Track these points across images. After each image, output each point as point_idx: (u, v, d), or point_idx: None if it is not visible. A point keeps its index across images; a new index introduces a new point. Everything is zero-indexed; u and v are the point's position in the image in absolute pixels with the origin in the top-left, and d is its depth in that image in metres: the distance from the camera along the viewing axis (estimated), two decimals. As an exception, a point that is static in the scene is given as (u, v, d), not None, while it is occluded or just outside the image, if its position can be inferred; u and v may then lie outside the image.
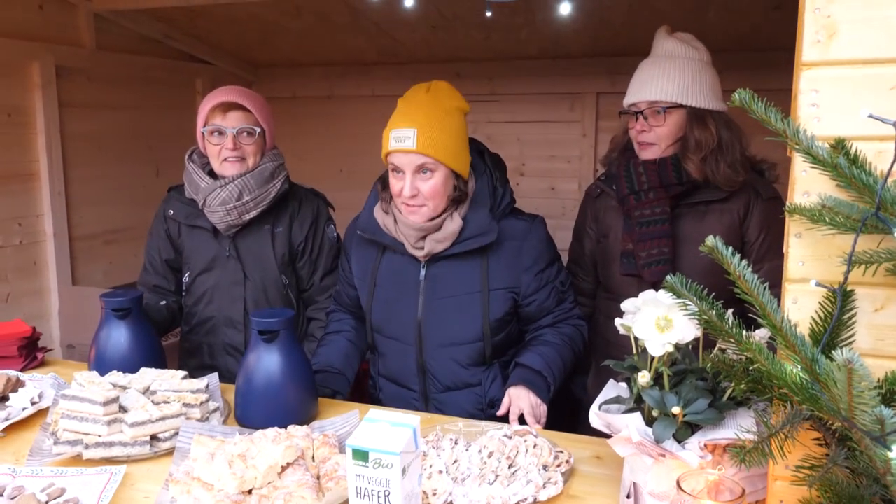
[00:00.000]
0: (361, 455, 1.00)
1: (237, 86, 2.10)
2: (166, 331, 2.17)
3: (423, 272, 1.76)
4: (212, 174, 2.06)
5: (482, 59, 3.86)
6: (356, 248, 1.88)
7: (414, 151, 1.62)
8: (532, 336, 1.81)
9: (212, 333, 2.11)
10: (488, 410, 1.77)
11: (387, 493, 1.00)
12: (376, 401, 1.91)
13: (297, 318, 2.17)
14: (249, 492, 1.24)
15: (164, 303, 2.11)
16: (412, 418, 1.05)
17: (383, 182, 1.79)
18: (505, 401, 1.67)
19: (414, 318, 1.76)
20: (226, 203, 1.98)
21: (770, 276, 1.77)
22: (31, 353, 2.04)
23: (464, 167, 1.71)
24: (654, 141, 1.82)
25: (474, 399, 1.78)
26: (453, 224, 1.69)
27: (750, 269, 0.91)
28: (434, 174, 1.65)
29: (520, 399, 1.65)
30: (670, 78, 1.78)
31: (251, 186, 2.00)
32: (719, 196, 1.80)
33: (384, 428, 1.03)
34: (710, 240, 0.89)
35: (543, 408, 1.66)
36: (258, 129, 2.02)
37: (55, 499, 1.25)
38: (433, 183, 1.65)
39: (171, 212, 2.13)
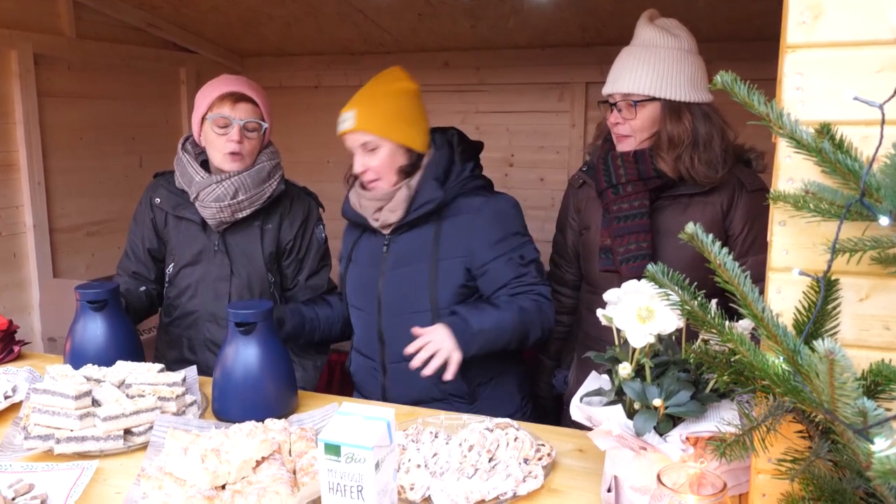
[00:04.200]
0: (333, 449, 0.97)
1: (241, 76, 2.05)
2: (145, 317, 2.13)
3: (385, 246, 1.84)
4: (204, 165, 2.02)
5: (470, 48, 3.82)
6: (346, 231, 2.00)
7: (354, 130, 1.76)
8: (486, 297, 1.77)
9: (193, 327, 2.06)
10: (441, 386, 1.74)
11: (360, 487, 0.97)
12: (347, 374, 1.99)
13: None
14: (223, 487, 1.21)
15: (143, 289, 2.07)
16: (386, 412, 1.02)
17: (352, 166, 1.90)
18: (426, 329, 1.62)
19: (375, 288, 1.83)
20: (220, 200, 1.94)
21: (754, 270, 1.73)
22: (7, 346, 2.00)
23: (413, 140, 1.78)
24: (630, 133, 1.77)
25: None
26: (402, 194, 1.77)
27: (732, 257, 0.88)
28: (379, 150, 1.76)
29: (441, 337, 1.60)
30: (644, 70, 1.70)
31: (247, 185, 1.96)
32: (702, 188, 1.73)
33: (357, 421, 1.00)
34: (691, 227, 0.86)
35: (456, 355, 1.59)
36: (264, 125, 1.99)
37: (23, 495, 1.22)
38: (380, 157, 1.76)
39: (158, 200, 2.07)
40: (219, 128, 1.94)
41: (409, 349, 1.61)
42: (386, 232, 1.83)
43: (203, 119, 1.97)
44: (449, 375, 1.60)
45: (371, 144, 1.75)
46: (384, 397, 1.84)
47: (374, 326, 1.84)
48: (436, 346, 1.59)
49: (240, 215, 1.98)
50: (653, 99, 1.72)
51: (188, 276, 2.06)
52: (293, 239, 2.08)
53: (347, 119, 1.77)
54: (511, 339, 1.70)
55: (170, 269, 2.10)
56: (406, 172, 1.78)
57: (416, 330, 1.63)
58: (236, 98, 1.95)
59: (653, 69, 1.71)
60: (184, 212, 2.02)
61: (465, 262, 1.76)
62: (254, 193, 1.97)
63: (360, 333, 1.91)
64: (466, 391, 1.77)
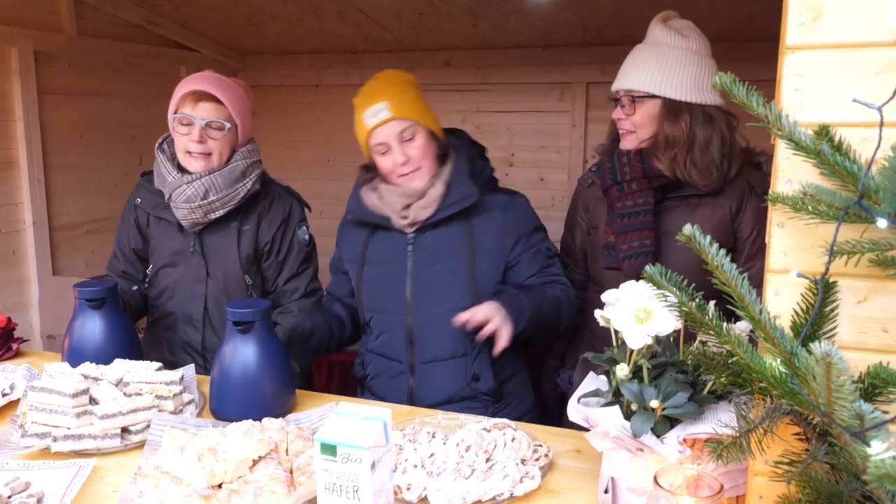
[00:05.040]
0: (329, 449, 0.97)
1: (217, 74, 2.02)
2: (139, 316, 2.12)
3: (410, 245, 1.80)
4: (181, 167, 1.99)
5: (471, 47, 3.82)
6: (346, 232, 1.94)
7: (392, 119, 1.72)
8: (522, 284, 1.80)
9: (171, 329, 2.05)
10: (473, 384, 1.76)
11: (355, 488, 0.97)
12: (362, 378, 1.92)
13: None
14: (219, 486, 1.21)
15: (136, 288, 2.07)
16: (383, 412, 1.02)
17: (366, 167, 1.87)
18: (477, 307, 1.65)
19: (403, 290, 1.79)
20: (191, 201, 1.91)
21: (762, 274, 1.73)
22: (5, 343, 2.00)
23: (437, 128, 1.81)
24: (632, 129, 1.77)
25: (459, 371, 1.76)
26: (436, 190, 1.76)
27: (734, 263, 0.87)
28: (416, 137, 1.75)
29: (493, 310, 1.63)
30: (647, 67, 1.72)
31: (218, 185, 1.92)
32: (709, 189, 1.73)
33: (354, 421, 1.00)
34: (688, 228, 0.86)
35: (507, 329, 1.62)
36: (228, 125, 1.94)
37: (19, 493, 1.21)
38: (418, 144, 1.75)
39: (139, 201, 2.06)
40: (181, 126, 1.93)
41: (459, 318, 1.61)
42: (410, 231, 1.79)
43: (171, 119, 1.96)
44: (499, 348, 1.61)
45: (409, 133, 1.74)
46: (411, 400, 1.80)
47: (402, 327, 1.80)
48: (486, 316, 1.61)
49: (213, 216, 1.95)
50: (652, 96, 1.73)
51: (166, 276, 2.04)
52: (272, 240, 2.03)
53: (381, 110, 1.72)
54: (550, 321, 1.74)
55: (150, 269, 2.09)
56: (440, 160, 1.79)
57: (459, 317, 1.63)
58: (198, 97, 1.91)
59: (655, 67, 1.72)
60: (162, 212, 2.00)
61: (500, 257, 1.79)
62: (226, 194, 1.93)
63: (381, 335, 1.85)
64: (493, 388, 1.77)
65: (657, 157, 1.74)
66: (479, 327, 1.63)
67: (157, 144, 2.04)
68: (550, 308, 1.74)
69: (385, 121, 1.72)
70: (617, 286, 1.19)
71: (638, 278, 1.67)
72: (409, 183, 1.76)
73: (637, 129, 1.77)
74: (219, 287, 2.01)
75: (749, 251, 1.75)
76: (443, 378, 1.76)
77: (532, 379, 1.98)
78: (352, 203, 1.88)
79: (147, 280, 2.11)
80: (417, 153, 1.74)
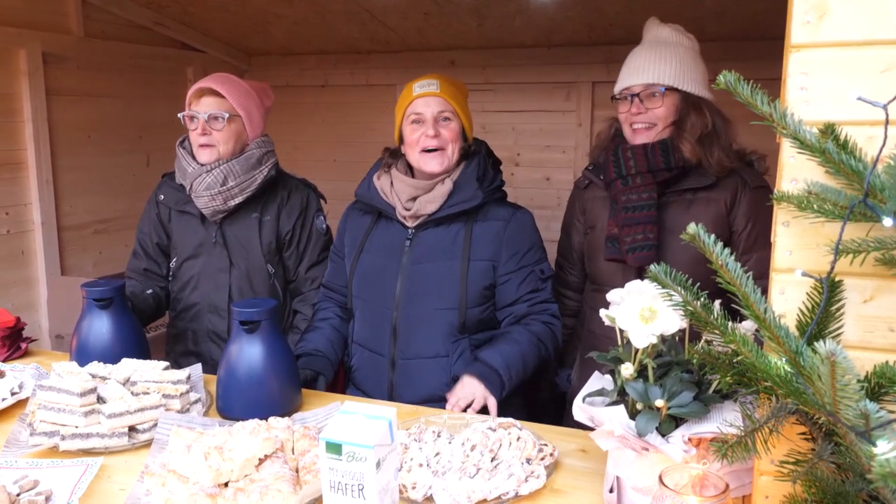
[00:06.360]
0: (335, 448, 0.97)
1: (228, 73, 2.11)
2: (152, 319, 2.16)
3: (408, 240, 1.82)
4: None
5: (476, 47, 3.82)
6: (352, 219, 1.98)
7: (438, 95, 1.80)
8: (502, 331, 1.81)
9: (196, 320, 2.10)
10: (452, 385, 1.74)
11: (360, 486, 0.97)
12: (347, 369, 1.95)
13: (283, 309, 2.15)
14: (226, 484, 1.22)
15: (150, 291, 2.10)
16: (388, 411, 1.02)
17: (391, 151, 1.92)
18: (457, 386, 1.68)
19: (394, 282, 1.81)
20: (210, 188, 1.98)
21: (758, 266, 1.75)
22: (14, 342, 2.02)
23: (469, 131, 1.89)
24: (653, 121, 1.81)
25: (440, 371, 1.77)
26: (444, 187, 1.80)
27: (733, 258, 0.88)
28: (451, 123, 1.82)
29: (473, 388, 1.66)
30: (667, 62, 1.78)
31: (236, 172, 2.00)
32: (706, 184, 1.78)
33: (359, 420, 1.00)
34: (692, 227, 0.86)
35: (492, 401, 1.66)
36: (227, 115, 2.01)
37: (27, 491, 1.22)
38: (453, 127, 1.81)
39: (162, 197, 2.14)
40: (190, 122, 2.03)
41: (447, 409, 1.65)
42: (411, 224, 1.82)
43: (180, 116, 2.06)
44: (493, 416, 1.63)
45: (447, 114, 1.81)
46: (391, 395, 1.81)
47: (388, 321, 1.81)
48: (470, 398, 1.64)
49: (232, 203, 2.02)
50: (675, 90, 1.79)
51: (190, 269, 2.10)
52: (292, 230, 2.11)
53: (431, 84, 1.81)
54: (532, 369, 1.79)
55: (173, 263, 2.15)
56: (462, 156, 1.84)
57: (449, 395, 1.68)
58: (201, 93, 2.02)
59: (675, 63, 1.79)
60: (185, 206, 2.08)
61: (494, 265, 1.80)
62: (244, 180, 2.01)
63: (367, 327, 1.87)
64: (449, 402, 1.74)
65: (685, 139, 1.78)
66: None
67: (178, 142, 2.12)
68: (532, 357, 1.77)
69: (432, 93, 1.80)
70: (616, 283, 1.19)
71: (640, 270, 1.69)
72: (428, 162, 1.79)
73: (658, 121, 1.81)
74: (242, 276, 2.07)
75: (745, 244, 1.80)
76: (423, 376, 1.77)
77: (529, 379, 1.97)
78: (363, 187, 1.92)
79: (170, 274, 2.16)
80: (449, 135, 1.80)
